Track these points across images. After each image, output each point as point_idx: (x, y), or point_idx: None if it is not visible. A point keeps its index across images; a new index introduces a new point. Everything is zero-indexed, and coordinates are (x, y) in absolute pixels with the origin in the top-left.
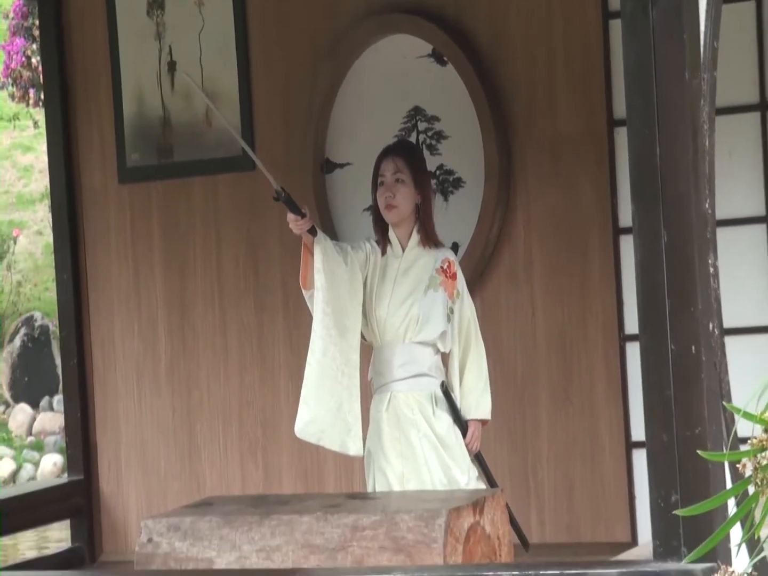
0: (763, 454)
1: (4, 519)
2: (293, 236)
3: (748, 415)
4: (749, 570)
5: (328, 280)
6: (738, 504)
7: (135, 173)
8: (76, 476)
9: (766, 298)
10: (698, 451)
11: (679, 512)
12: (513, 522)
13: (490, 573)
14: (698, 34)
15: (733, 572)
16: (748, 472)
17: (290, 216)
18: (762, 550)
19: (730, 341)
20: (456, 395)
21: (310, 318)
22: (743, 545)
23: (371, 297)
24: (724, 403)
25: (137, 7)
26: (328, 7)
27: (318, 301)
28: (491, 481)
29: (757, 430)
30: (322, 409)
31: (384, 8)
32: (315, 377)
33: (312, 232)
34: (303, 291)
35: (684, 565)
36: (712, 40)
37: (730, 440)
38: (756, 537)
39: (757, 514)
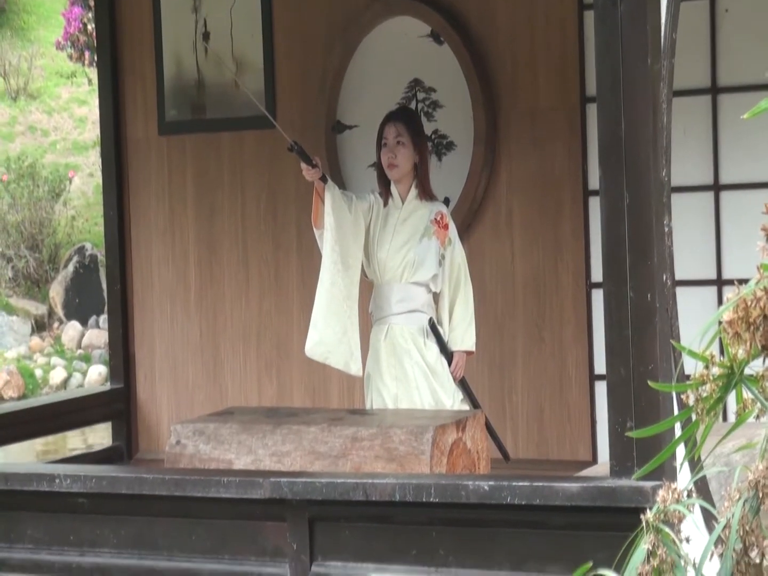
0: (704, 387)
1: (56, 420)
2: (306, 184)
3: (692, 353)
4: (690, 487)
5: (336, 221)
6: (683, 429)
7: (173, 127)
8: (117, 385)
9: (712, 256)
10: (650, 383)
11: (632, 434)
12: (495, 437)
13: (470, 482)
14: (659, 25)
15: (675, 488)
16: (691, 402)
17: (303, 165)
18: (702, 469)
19: (680, 291)
20: (444, 329)
21: (320, 255)
22: (686, 465)
23: (374, 241)
24: (673, 342)
25: None
26: None
27: (327, 239)
28: (475, 404)
29: (700, 366)
30: (329, 332)
31: None
32: (324, 304)
33: (323, 179)
34: (314, 230)
35: (635, 481)
36: (671, 32)
37: (677, 374)
38: (696, 458)
39: (698, 437)
